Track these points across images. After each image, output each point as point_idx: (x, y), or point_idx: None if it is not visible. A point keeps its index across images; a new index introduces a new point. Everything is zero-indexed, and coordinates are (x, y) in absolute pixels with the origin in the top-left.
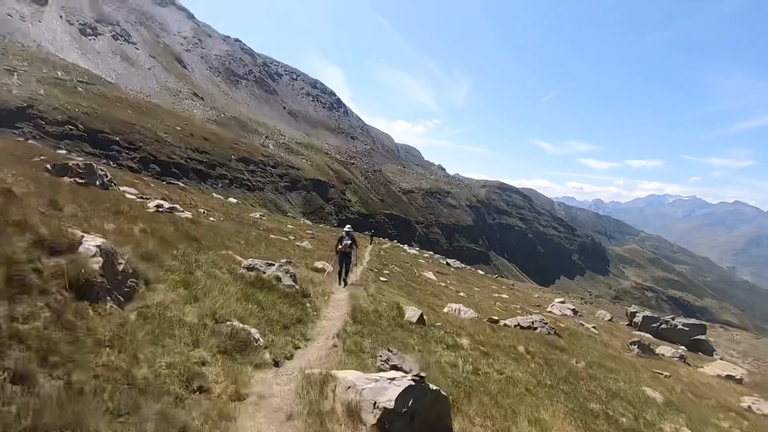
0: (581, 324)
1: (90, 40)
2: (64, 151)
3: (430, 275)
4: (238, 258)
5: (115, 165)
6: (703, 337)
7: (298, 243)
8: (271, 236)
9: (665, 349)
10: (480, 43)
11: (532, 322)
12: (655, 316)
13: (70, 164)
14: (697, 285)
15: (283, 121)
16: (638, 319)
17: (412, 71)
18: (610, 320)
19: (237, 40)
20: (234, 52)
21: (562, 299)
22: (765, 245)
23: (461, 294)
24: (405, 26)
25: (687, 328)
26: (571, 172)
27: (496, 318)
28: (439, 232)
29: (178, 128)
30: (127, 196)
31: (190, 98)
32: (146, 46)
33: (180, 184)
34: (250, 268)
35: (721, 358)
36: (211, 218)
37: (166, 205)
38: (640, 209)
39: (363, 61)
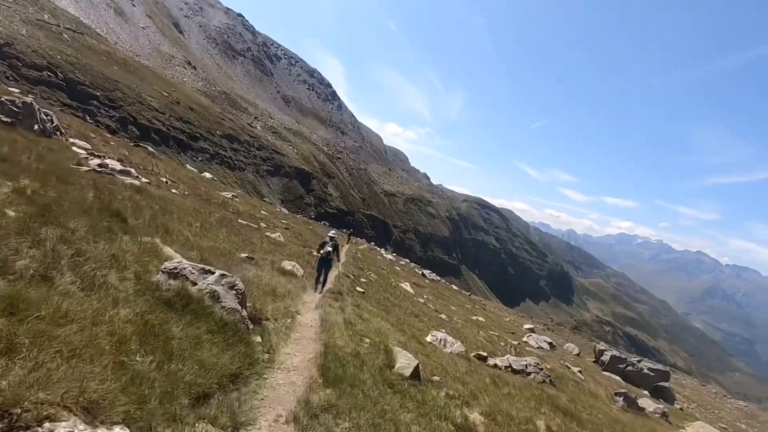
0: (566, 366)
1: None
2: (17, 90)
3: (407, 287)
4: (168, 252)
5: (92, 121)
6: (666, 384)
7: (269, 233)
8: (239, 221)
9: (646, 403)
10: (481, 62)
11: (525, 366)
12: (623, 356)
13: (1, 99)
14: (652, 326)
15: (274, 105)
16: (606, 357)
17: (411, 77)
18: (577, 355)
19: (240, 14)
20: (235, 26)
21: (531, 326)
22: (719, 297)
23: (442, 316)
24: (412, 34)
25: (652, 374)
26: (550, 200)
27: (484, 354)
28: (415, 239)
29: (165, 93)
30: (73, 148)
31: (182, 65)
32: (143, 5)
33: (148, 148)
34: (173, 275)
35: (681, 409)
36: (173, 190)
37: (117, 166)
38: (610, 245)
39: (364, 58)
